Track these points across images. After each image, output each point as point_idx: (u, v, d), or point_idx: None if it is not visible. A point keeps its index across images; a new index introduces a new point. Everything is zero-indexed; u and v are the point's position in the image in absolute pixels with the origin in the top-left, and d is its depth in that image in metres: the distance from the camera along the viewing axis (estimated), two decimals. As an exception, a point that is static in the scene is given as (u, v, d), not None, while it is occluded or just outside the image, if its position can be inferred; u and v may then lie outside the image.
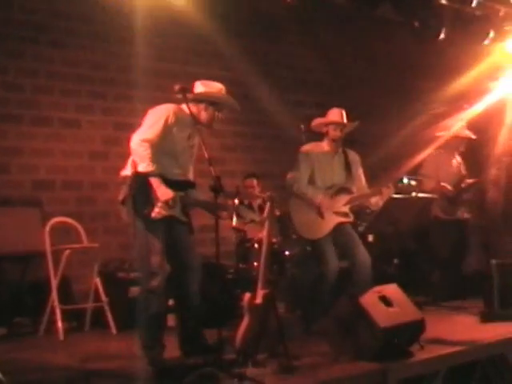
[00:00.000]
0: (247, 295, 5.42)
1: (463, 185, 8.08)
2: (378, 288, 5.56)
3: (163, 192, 5.15)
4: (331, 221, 6.53)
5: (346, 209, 6.60)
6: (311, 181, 6.59)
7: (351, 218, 6.65)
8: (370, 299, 5.36)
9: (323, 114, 6.82)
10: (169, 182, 5.23)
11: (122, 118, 8.19)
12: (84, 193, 8.01)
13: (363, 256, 6.47)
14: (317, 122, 6.73)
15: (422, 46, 7.76)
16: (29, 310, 7.04)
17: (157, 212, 5.14)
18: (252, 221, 7.65)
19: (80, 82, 8.04)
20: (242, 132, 9.44)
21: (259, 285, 5.42)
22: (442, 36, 6.85)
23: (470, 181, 8.13)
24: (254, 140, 9.60)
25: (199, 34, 8.67)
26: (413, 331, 5.46)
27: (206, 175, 5.22)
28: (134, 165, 5.20)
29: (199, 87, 5.58)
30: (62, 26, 7.95)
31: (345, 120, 6.64)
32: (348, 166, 6.72)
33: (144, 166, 5.13)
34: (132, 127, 7.91)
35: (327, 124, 6.65)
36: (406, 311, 5.46)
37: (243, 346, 5.23)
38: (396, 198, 6.57)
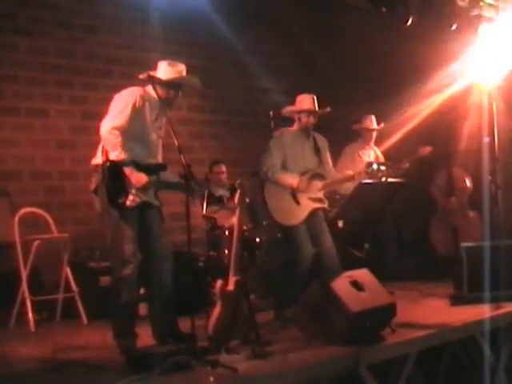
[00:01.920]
0: (219, 282, 5.43)
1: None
2: (349, 273, 5.59)
3: (137, 178, 5.15)
4: (307, 207, 6.54)
5: (320, 194, 6.62)
6: (283, 167, 6.58)
7: (326, 204, 6.67)
8: (341, 284, 5.39)
9: (291, 101, 6.82)
10: (141, 167, 5.22)
11: (89, 107, 8.13)
12: (52, 183, 7.95)
13: (328, 243, 6.53)
14: (288, 109, 6.72)
15: (389, 31, 7.77)
16: (-2, 301, 6.98)
17: (131, 200, 5.15)
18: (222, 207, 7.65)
19: (46, 70, 7.95)
20: (209, 120, 9.44)
21: (231, 272, 5.43)
22: (409, 22, 6.87)
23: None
24: (222, 127, 9.59)
25: (165, 22, 8.63)
26: (384, 315, 5.50)
27: (176, 163, 5.22)
28: (105, 153, 5.17)
29: (162, 67, 5.52)
30: (27, 14, 7.84)
31: (316, 107, 6.64)
32: (318, 151, 6.73)
33: (116, 154, 5.10)
34: (100, 116, 7.92)
35: (300, 111, 6.65)
36: (377, 296, 5.50)
37: (216, 334, 5.24)
38: (366, 184, 6.61)
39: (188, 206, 5.06)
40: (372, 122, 8.40)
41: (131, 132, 5.22)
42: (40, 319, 6.89)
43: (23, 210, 7.01)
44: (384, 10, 6.75)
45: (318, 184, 6.61)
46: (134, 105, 5.26)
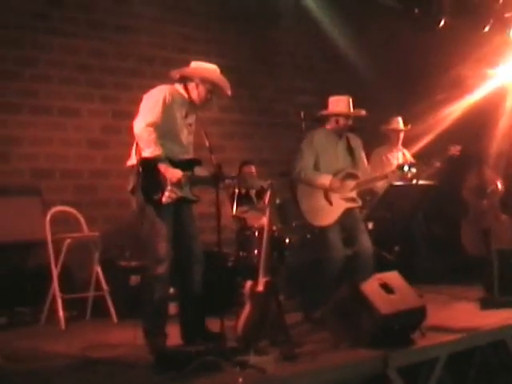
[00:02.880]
0: (249, 283, 5.44)
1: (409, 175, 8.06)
2: (379, 275, 5.56)
3: (172, 173, 5.19)
4: (340, 207, 6.52)
5: (353, 194, 6.60)
6: (315, 168, 6.57)
7: (359, 203, 6.65)
8: (371, 286, 5.36)
9: (320, 101, 6.81)
10: (175, 163, 5.25)
11: (120, 106, 8.20)
12: (83, 181, 8.01)
13: (366, 243, 6.48)
14: (326, 112, 6.68)
15: (422, 33, 7.72)
16: (30, 299, 7.02)
17: (167, 196, 5.18)
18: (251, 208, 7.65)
19: (79, 70, 8.02)
20: (240, 120, 9.44)
21: (261, 273, 5.43)
22: (442, 24, 6.82)
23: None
24: (253, 128, 9.59)
25: (197, 21, 8.68)
26: (414, 318, 5.46)
27: (207, 163, 5.26)
28: (139, 152, 5.20)
29: (193, 65, 5.61)
30: (60, 14, 7.92)
31: (351, 109, 6.62)
32: (351, 151, 6.70)
33: (151, 151, 5.14)
34: (131, 115, 7.95)
35: (338, 114, 6.62)
36: (406, 298, 5.46)
37: (245, 334, 5.25)
38: (396, 186, 6.59)
39: (218, 205, 5.08)
40: (399, 123, 8.35)
41: (163, 129, 5.26)
42: (70, 317, 6.93)
43: (55, 209, 7.07)
44: (417, 11, 6.72)
45: (351, 183, 6.59)
46: (164, 101, 5.30)
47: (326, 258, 6.40)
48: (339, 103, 6.64)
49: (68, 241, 6.93)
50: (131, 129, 7.89)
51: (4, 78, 7.55)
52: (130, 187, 5.34)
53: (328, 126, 6.69)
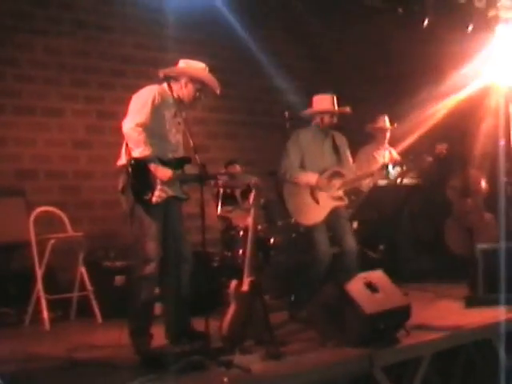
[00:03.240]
0: (233, 282, 5.43)
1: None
2: (363, 274, 5.57)
3: (162, 173, 5.20)
4: (327, 205, 6.54)
5: (340, 192, 6.62)
6: (301, 167, 6.58)
7: (346, 202, 6.66)
8: (355, 286, 5.37)
9: (305, 101, 6.82)
10: (165, 163, 5.26)
11: (104, 106, 8.18)
12: (68, 182, 7.97)
13: (351, 244, 6.50)
14: (310, 111, 6.70)
15: (406, 32, 7.75)
16: (14, 300, 6.98)
17: (157, 196, 5.18)
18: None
19: (62, 69, 7.98)
20: (224, 119, 9.43)
21: (245, 272, 5.43)
22: (425, 23, 6.85)
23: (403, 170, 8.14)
24: (237, 127, 9.59)
25: (181, 21, 8.65)
26: (399, 317, 5.47)
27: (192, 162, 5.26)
28: (129, 152, 5.19)
29: (181, 64, 5.61)
30: (42, 14, 7.87)
31: (336, 107, 6.63)
32: (336, 149, 6.73)
33: (140, 151, 5.13)
34: (115, 115, 7.97)
35: (322, 112, 6.63)
36: (391, 297, 5.48)
37: (230, 334, 5.24)
38: (381, 185, 6.61)
39: (203, 205, 5.06)
40: (385, 121, 8.37)
41: (152, 128, 5.25)
42: (55, 318, 6.89)
43: (39, 209, 7.03)
44: (401, 10, 6.76)
45: (338, 182, 6.60)
46: (153, 101, 5.30)
47: (313, 257, 6.42)
48: (323, 101, 6.66)
49: (52, 241, 6.89)
50: (115, 129, 7.85)
51: (-15, 80, 7.51)
52: (120, 186, 5.32)
53: (313, 125, 6.70)
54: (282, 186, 6.68)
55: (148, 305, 5.31)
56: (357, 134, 8.57)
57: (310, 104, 6.76)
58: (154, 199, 5.18)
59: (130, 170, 5.13)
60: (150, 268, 5.21)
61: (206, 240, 5.41)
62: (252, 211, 5.57)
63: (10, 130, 7.59)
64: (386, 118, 8.36)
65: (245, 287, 5.37)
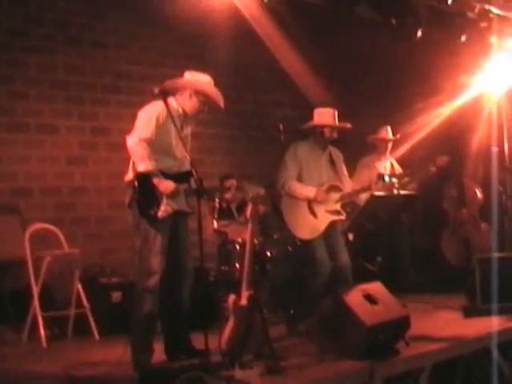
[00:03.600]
0: (232, 297, 5.41)
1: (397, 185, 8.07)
2: (362, 286, 5.56)
3: (165, 185, 5.21)
4: (325, 219, 6.55)
5: (337, 206, 6.62)
6: (298, 180, 6.58)
7: (343, 216, 6.66)
8: (354, 298, 5.36)
9: (300, 115, 6.84)
10: (170, 177, 5.27)
11: (99, 123, 8.17)
12: (63, 199, 7.93)
13: (345, 260, 6.53)
14: (311, 124, 6.69)
15: (398, 44, 7.76)
16: (10, 318, 6.94)
17: (163, 210, 5.19)
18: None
19: (56, 86, 7.96)
20: (219, 134, 9.41)
21: (243, 286, 5.41)
22: (419, 34, 6.87)
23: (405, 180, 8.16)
24: (232, 142, 9.57)
25: (174, 36, 8.67)
26: (398, 328, 5.46)
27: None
28: (135, 168, 5.20)
29: (186, 76, 5.62)
30: (36, 31, 7.85)
31: (337, 121, 6.65)
32: (333, 164, 6.74)
33: (144, 166, 5.15)
34: (109, 131, 8.03)
35: (323, 126, 6.64)
36: (390, 308, 5.47)
37: (229, 348, 5.21)
38: (378, 196, 6.60)
39: (200, 219, 5.05)
40: (388, 132, 8.35)
41: (157, 144, 5.26)
42: (51, 335, 6.84)
43: (34, 226, 7.00)
44: (394, 22, 6.76)
45: (335, 196, 6.60)
46: (158, 119, 5.30)
47: (313, 271, 6.41)
48: (325, 115, 6.67)
49: (48, 258, 6.84)
50: (109, 145, 7.98)
51: (-21, 97, 7.49)
52: (126, 201, 5.33)
53: (311, 139, 6.71)
54: (280, 198, 6.68)
55: (150, 318, 5.29)
56: (353, 146, 8.58)
57: (306, 118, 6.76)
58: (160, 214, 5.19)
59: (136, 184, 5.14)
60: (153, 281, 5.22)
61: (205, 254, 5.40)
62: (250, 225, 5.55)
63: (4, 148, 7.56)
64: (389, 129, 8.35)
65: (243, 301, 5.34)
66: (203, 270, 6.57)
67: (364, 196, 6.98)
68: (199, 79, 5.63)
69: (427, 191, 8.31)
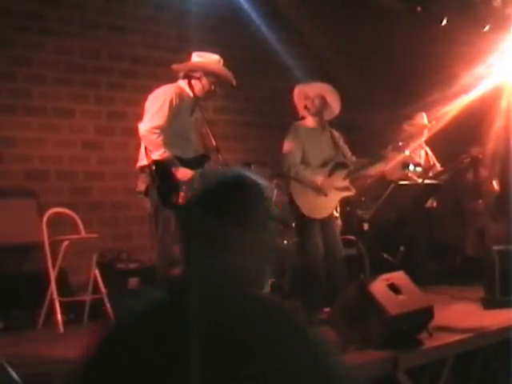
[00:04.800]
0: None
1: (431, 174, 8.00)
2: (386, 276, 5.50)
3: (183, 173, 5.17)
4: (335, 197, 6.58)
5: (346, 183, 6.60)
6: (304, 159, 6.53)
7: (353, 191, 6.63)
8: (378, 287, 5.30)
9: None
10: (186, 162, 5.21)
11: (115, 107, 8.11)
12: (78, 183, 7.88)
13: (337, 254, 6.57)
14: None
15: (418, 32, 7.70)
16: (26, 303, 6.89)
17: (182, 197, 5.13)
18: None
19: (73, 70, 7.90)
20: (234, 120, 9.36)
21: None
22: (444, 22, 6.80)
23: (439, 169, 8.08)
24: (247, 128, 9.51)
25: (190, 21, 8.59)
26: (422, 319, 5.42)
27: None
28: (148, 154, 5.14)
29: (194, 57, 5.56)
30: (53, 14, 7.79)
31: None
32: (335, 143, 6.72)
33: (159, 154, 5.09)
34: (125, 116, 7.97)
35: (309, 97, 6.60)
36: (414, 298, 5.41)
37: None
38: (402, 185, 6.55)
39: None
40: (423, 118, 8.25)
41: (171, 129, 5.21)
42: (67, 321, 6.78)
43: (51, 211, 6.94)
44: (419, 9, 6.69)
45: (342, 173, 6.57)
46: (171, 102, 5.25)
47: (309, 254, 6.46)
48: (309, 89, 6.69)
49: (66, 243, 6.79)
50: (125, 130, 7.91)
51: (-3, 80, 7.43)
52: (141, 188, 5.27)
53: (308, 117, 6.68)
54: (288, 182, 6.63)
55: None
56: (368, 135, 8.53)
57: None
58: (181, 201, 5.14)
59: (154, 172, 5.08)
60: (178, 270, 5.16)
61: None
62: (274, 212, 5.50)
63: (20, 131, 7.51)
64: (425, 115, 8.26)
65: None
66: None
67: (373, 172, 6.88)
68: (208, 59, 5.57)
69: (460, 182, 8.26)
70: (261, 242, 1.90)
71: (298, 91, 6.68)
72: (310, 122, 6.69)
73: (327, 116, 6.68)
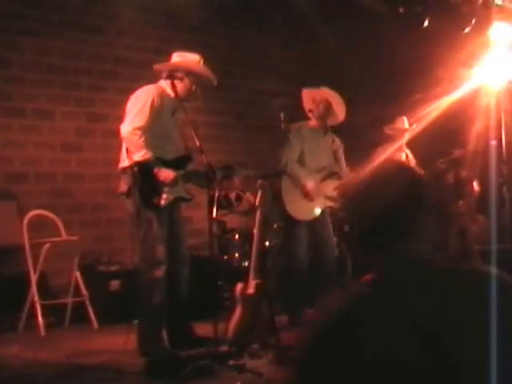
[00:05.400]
0: (239, 285, 5.36)
1: None
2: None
3: (165, 175, 5.14)
4: (320, 204, 6.60)
5: (334, 193, 6.62)
6: (300, 160, 6.55)
7: (338, 203, 6.65)
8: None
9: (297, 104, 6.83)
10: (168, 163, 5.18)
11: (95, 109, 8.04)
12: (58, 185, 7.79)
13: (330, 253, 6.61)
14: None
15: (401, 33, 7.72)
16: (7, 306, 6.81)
17: (165, 198, 5.12)
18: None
19: (53, 71, 7.81)
20: (214, 122, 9.31)
21: (251, 275, 5.36)
22: (426, 23, 6.82)
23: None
24: (227, 130, 9.47)
25: (171, 23, 8.57)
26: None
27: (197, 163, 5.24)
28: (130, 155, 5.10)
29: (175, 58, 5.54)
30: (33, 14, 7.70)
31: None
32: (334, 151, 6.77)
33: (141, 155, 5.06)
34: (106, 118, 7.91)
35: (315, 101, 6.64)
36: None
37: (236, 337, 5.16)
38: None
39: (212, 207, 5.01)
40: (404, 122, 8.28)
41: (152, 129, 5.18)
42: (49, 324, 6.74)
43: (32, 213, 6.89)
44: (401, 10, 6.71)
45: (333, 183, 6.60)
46: (153, 103, 5.22)
47: (293, 255, 6.48)
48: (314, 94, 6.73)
49: (47, 245, 6.75)
50: (106, 131, 7.86)
51: (-25, 81, 7.35)
52: (123, 189, 5.23)
53: (312, 122, 6.69)
54: (280, 177, 6.63)
55: (160, 308, 5.23)
56: (349, 136, 8.52)
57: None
58: (163, 202, 5.12)
59: (136, 173, 5.05)
60: (160, 271, 5.16)
61: (200, 243, 5.32)
62: (258, 212, 5.51)
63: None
64: (405, 119, 8.28)
65: (250, 290, 5.29)
66: (212, 259, 6.50)
67: None
68: (188, 59, 5.55)
69: (440, 183, 8.27)
70: (431, 226, 1.95)
71: (307, 94, 6.70)
72: (313, 124, 6.72)
73: (331, 122, 6.74)
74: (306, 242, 6.52)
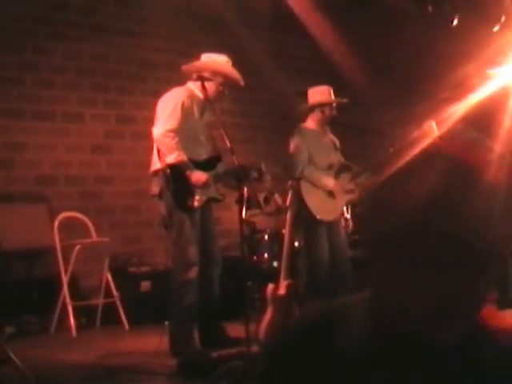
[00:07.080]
0: (270, 286, 5.36)
1: None
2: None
3: (196, 177, 5.16)
4: (342, 199, 6.61)
5: (351, 185, 6.64)
6: (310, 160, 6.55)
7: (357, 194, 6.66)
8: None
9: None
10: (199, 164, 5.20)
11: (124, 111, 8.08)
12: (88, 187, 7.85)
13: (343, 259, 6.56)
14: (311, 104, 6.64)
15: (429, 33, 7.68)
16: (38, 308, 6.86)
17: (197, 200, 5.14)
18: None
19: (81, 74, 7.88)
20: (241, 123, 9.32)
21: (282, 276, 5.36)
22: (455, 22, 6.79)
23: None
24: (254, 131, 9.49)
25: (200, 25, 8.59)
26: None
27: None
28: (162, 157, 5.13)
29: (203, 59, 5.57)
30: (61, 18, 7.78)
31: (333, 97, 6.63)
32: (335, 146, 6.79)
33: (174, 157, 5.08)
34: (134, 120, 7.96)
35: (322, 105, 6.57)
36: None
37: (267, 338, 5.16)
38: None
39: (241, 208, 5.01)
40: (432, 127, 8.24)
41: (184, 131, 5.20)
42: (80, 325, 6.79)
43: (62, 215, 6.96)
44: (430, 9, 6.68)
45: (347, 175, 6.65)
46: (183, 105, 5.25)
47: (315, 258, 6.45)
48: (323, 93, 6.61)
49: (77, 247, 6.80)
50: (134, 134, 7.91)
51: (6, 84, 7.39)
52: (155, 191, 5.25)
53: (310, 122, 6.65)
54: (299, 183, 6.62)
55: (192, 309, 5.25)
56: (375, 137, 8.50)
57: (304, 98, 6.75)
58: (196, 204, 5.15)
59: (168, 176, 5.07)
60: (193, 272, 5.17)
61: (229, 244, 5.32)
62: (289, 212, 5.51)
63: (30, 136, 7.49)
64: (434, 124, 8.25)
65: (282, 291, 5.29)
66: (231, 259, 6.52)
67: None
68: (216, 60, 5.56)
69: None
70: None
71: (319, 94, 6.66)
72: (313, 124, 6.69)
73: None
74: (327, 245, 6.50)
